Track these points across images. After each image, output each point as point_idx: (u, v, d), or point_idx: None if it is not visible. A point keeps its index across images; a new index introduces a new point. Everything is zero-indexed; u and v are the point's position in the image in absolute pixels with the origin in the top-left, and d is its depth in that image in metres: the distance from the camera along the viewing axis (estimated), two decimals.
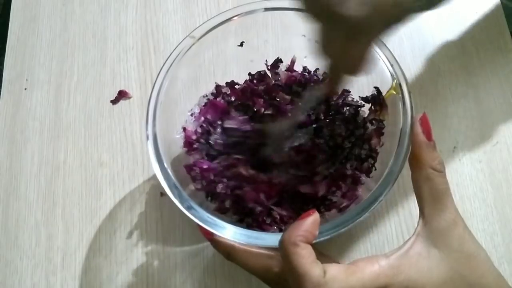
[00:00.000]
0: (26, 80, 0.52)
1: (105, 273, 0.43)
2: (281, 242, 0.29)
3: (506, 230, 0.42)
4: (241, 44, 0.41)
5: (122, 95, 0.50)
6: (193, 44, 0.38)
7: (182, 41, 0.38)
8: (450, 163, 0.45)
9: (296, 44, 0.42)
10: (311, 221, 0.29)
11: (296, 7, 0.38)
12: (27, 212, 0.46)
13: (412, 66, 0.49)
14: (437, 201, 0.31)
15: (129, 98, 0.50)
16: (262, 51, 0.43)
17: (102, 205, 0.46)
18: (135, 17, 0.54)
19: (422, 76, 0.48)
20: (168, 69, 0.37)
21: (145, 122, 0.36)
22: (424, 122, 0.33)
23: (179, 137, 0.41)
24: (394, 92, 0.36)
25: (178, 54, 0.38)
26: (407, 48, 0.50)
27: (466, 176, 0.44)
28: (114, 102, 0.50)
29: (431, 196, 0.31)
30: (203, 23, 0.38)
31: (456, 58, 0.49)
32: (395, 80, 0.36)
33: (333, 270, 0.29)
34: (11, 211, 0.46)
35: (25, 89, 0.51)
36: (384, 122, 0.39)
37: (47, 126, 0.49)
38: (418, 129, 0.32)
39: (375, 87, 0.39)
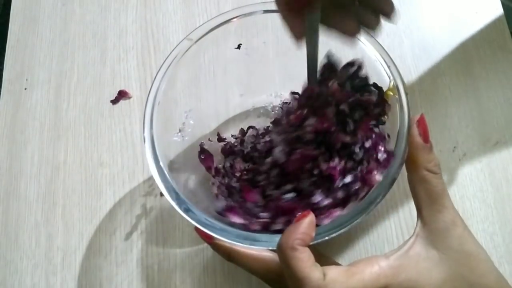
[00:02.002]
0: (26, 80, 0.52)
1: (105, 273, 0.43)
2: (279, 246, 0.29)
3: (506, 230, 0.42)
4: (238, 47, 0.41)
5: (122, 95, 0.50)
6: (190, 47, 0.38)
7: (179, 43, 0.38)
8: (450, 163, 0.45)
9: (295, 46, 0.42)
10: (307, 223, 0.29)
11: None
12: (27, 212, 0.46)
13: (412, 66, 0.49)
14: (435, 202, 0.31)
15: (129, 98, 0.50)
16: (262, 52, 0.43)
17: (102, 205, 0.46)
18: (135, 17, 0.54)
19: (422, 76, 0.48)
20: (166, 71, 0.37)
21: (142, 124, 0.36)
22: (422, 123, 0.32)
23: (177, 139, 0.41)
24: (391, 93, 0.36)
25: (176, 57, 0.38)
26: (407, 48, 0.50)
27: (466, 176, 0.44)
28: (114, 102, 0.50)
29: (428, 197, 0.31)
30: (201, 25, 0.38)
31: (456, 58, 0.49)
32: (392, 82, 0.36)
33: (333, 272, 0.29)
34: (11, 211, 0.46)
35: (25, 89, 0.51)
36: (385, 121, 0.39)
37: (47, 126, 0.49)
38: (415, 131, 0.32)
39: (374, 83, 0.39)
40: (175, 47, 0.38)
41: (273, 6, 0.39)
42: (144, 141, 0.35)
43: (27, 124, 0.50)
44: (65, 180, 0.47)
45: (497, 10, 0.51)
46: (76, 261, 0.44)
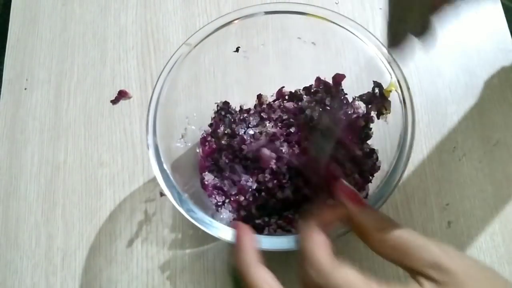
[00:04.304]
0: (26, 80, 0.52)
1: (105, 273, 0.43)
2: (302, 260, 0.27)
3: (506, 230, 0.42)
4: (237, 50, 0.41)
5: (122, 95, 0.50)
6: (190, 52, 0.38)
7: (178, 48, 0.38)
8: (450, 163, 0.45)
9: (294, 46, 0.42)
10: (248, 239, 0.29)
11: (295, 10, 0.38)
12: (27, 212, 0.46)
13: (412, 66, 0.49)
14: (411, 256, 0.26)
15: (129, 98, 0.50)
16: (262, 53, 0.43)
17: (102, 205, 0.46)
18: (135, 17, 0.54)
19: (422, 76, 0.48)
20: (166, 78, 0.37)
21: (145, 130, 0.36)
22: (343, 190, 0.29)
23: (179, 145, 0.41)
24: (393, 89, 0.36)
25: (176, 61, 0.37)
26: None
27: (466, 176, 0.44)
28: (114, 102, 0.50)
29: (402, 255, 0.27)
30: (202, 27, 0.38)
31: (456, 58, 0.49)
32: (393, 78, 0.36)
33: (351, 273, 0.26)
34: (11, 211, 0.46)
35: (25, 89, 0.51)
36: (387, 119, 0.39)
37: (47, 126, 0.49)
38: (345, 201, 0.29)
39: (374, 81, 0.39)
40: (175, 52, 0.37)
41: (274, 8, 0.39)
42: (148, 149, 0.35)
43: (27, 124, 0.50)
44: (65, 180, 0.47)
45: (497, 10, 0.51)
46: (76, 261, 0.44)
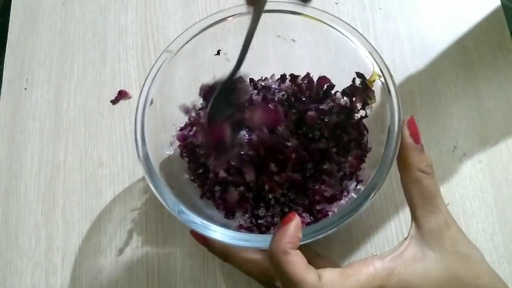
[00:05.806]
0: (26, 80, 0.52)
1: (105, 273, 0.43)
2: (270, 252, 0.29)
3: (506, 230, 0.42)
4: (218, 53, 0.41)
5: (122, 95, 0.50)
6: (172, 58, 0.37)
7: (160, 56, 0.37)
8: (450, 163, 0.45)
9: (292, 46, 0.42)
10: (294, 226, 0.29)
11: (290, 10, 0.38)
12: (27, 212, 0.46)
13: (412, 66, 0.49)
14: (428, 203, 0.32)
15: (129, 98, 0.50)
16: (262, 52, 0.43)
17: (102, 205, 0.46)
18: (135, 17, 0.54)
19: (422, 76, 0.48)
20: (151, 84, 0.37)
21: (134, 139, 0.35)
22: (412, 124, 0.33)
23: (169, 153, 0.41)
24: (377, 78, 0.36)
25: (159, 69, 0.37)
26: (407, 48, 0.50)
27: (466, 176, 0.44)
28: (114, 102, 0.50)
29: (421, 198, 0.32)
30: (200, 20, 0.38)
31: (456, 58, 0.49)
32: (375, 68, 0.36)
33: (328, 274, 0.29)
34: (11, 211, 0.46)
35: (25, 89, 0.51)
36: (373, 109, 0.39)
37: (47, 126, 0.49)
38: (406, 132, 0.33)
39: (356, 72, 0.39)
40: (157, 60, 0.37)
41: (271, 6, 0.39)
42: (139, 158, 0.35)
43: (27, 124, 0.50)
44: (65, 180, 0.47)
45: (497, 10, 0.51)
46: (76, 261, 0.44)
